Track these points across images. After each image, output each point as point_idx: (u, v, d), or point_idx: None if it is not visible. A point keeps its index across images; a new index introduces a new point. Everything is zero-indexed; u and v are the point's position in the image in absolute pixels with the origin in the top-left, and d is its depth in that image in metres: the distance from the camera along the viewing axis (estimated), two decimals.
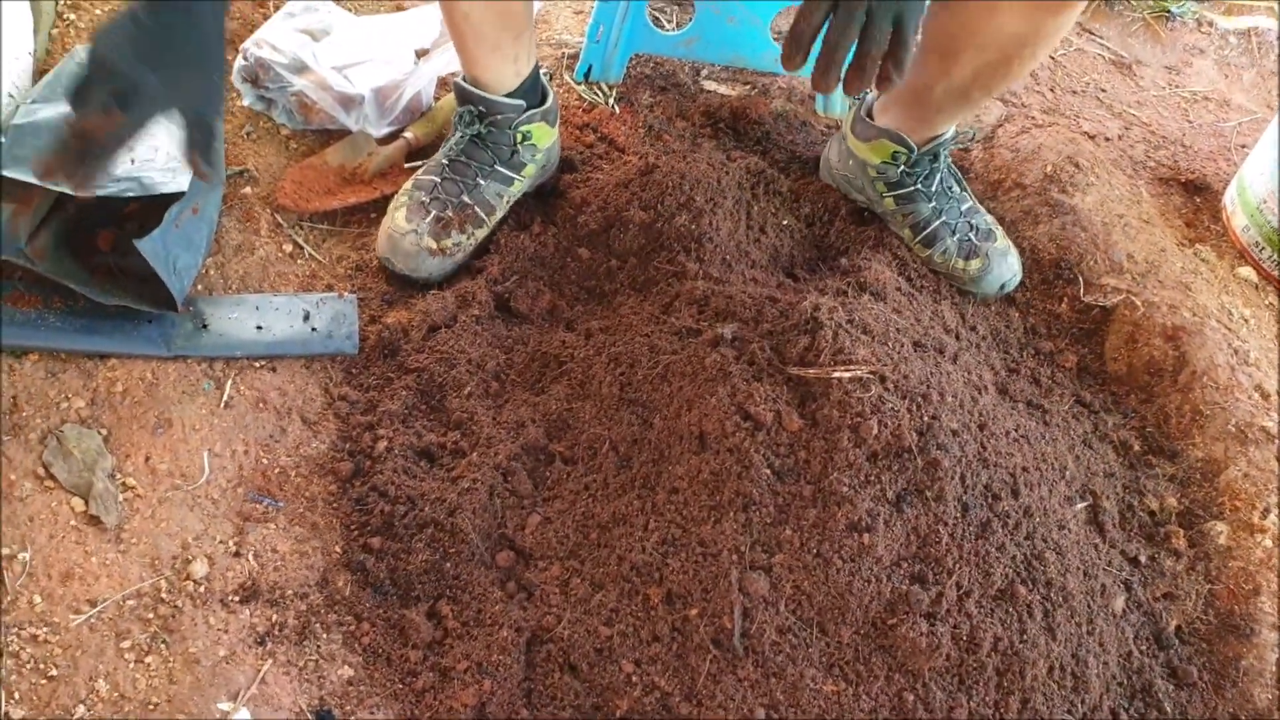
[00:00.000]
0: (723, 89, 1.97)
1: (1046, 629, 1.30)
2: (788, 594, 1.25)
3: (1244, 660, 1.42)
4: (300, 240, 1.56)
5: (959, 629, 1.26)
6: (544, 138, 1.61)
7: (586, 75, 1.91)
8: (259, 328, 1.43)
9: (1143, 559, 1.48)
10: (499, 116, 1.55)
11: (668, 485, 1.33)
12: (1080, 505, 1.44)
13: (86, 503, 1.22)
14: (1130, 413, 1.66)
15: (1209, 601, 1.47)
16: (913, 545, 1.28)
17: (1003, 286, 1.71)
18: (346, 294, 1.50)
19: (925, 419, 1.31)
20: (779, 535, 1.27)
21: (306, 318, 1.46)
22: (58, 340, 1.32)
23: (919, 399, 1.32)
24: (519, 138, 1.57)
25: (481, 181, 1.57)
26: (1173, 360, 1.66)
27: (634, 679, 1.23)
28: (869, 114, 1.68)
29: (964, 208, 1.72)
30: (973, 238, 1.68)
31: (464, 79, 1.55)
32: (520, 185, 1.62)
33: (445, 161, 1.58)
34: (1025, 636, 1.28)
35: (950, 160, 1.75)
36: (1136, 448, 1.61)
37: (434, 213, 1.53)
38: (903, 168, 1.65)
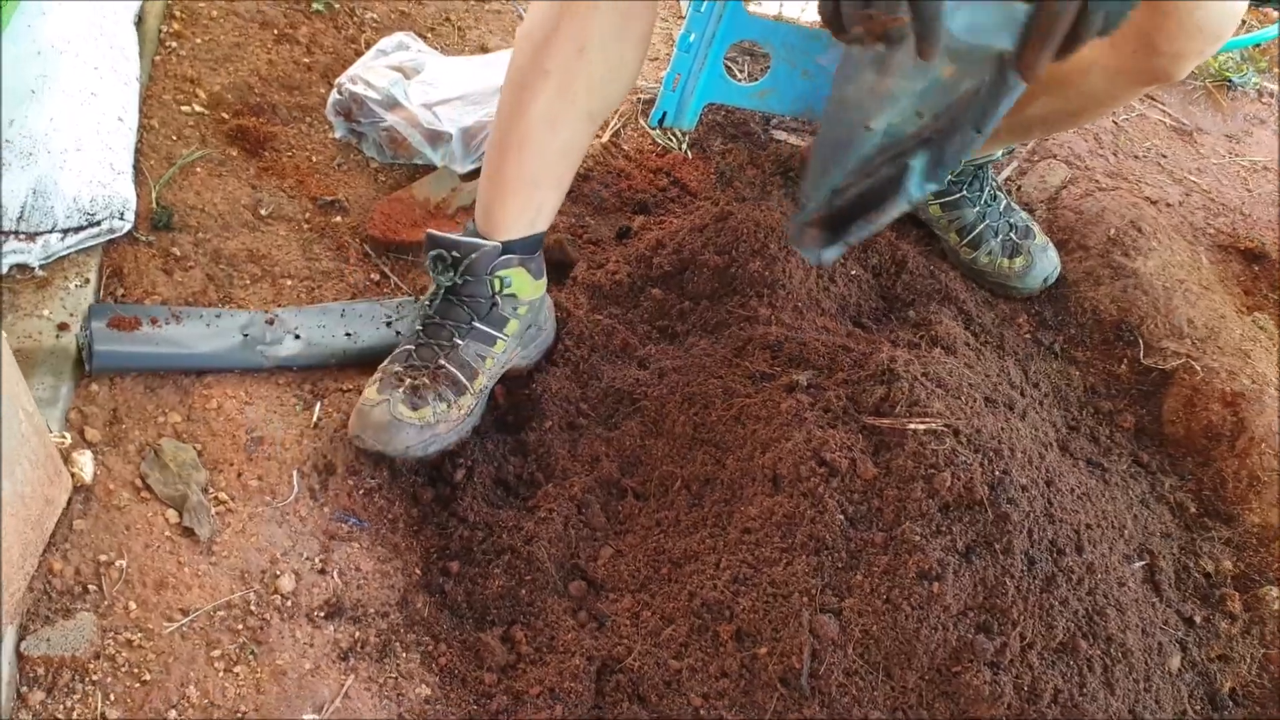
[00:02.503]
0: (792, 139, 2.02)
1: (1105, 684, 1.32)
2: (856, 637, 1.27)
3: None
4: (386, 270, 1.61)
5: (1021, 679, 1.28)
6: (526, 289, 1.45)
7: (661, 121, 1.96)
8: (348, 335, 1.48)
9: (1198, 620, 1.49)
10: (473, 259, 1.39)
11: (740, 525, 1.36)
12: (1138, 564, 1.46)
13: (180, 515, 1.26)
14: (1187, 475, 1.68)
15: (1263, 666, 1.49)
16: (980, 595, 1.30)
17: (1045, 280, 1.82)
18: (423, 298, 1.54)
19: (997, 473, 1.34)
20: (850, 580, 1.30)
21: (389, 322, 1.51)
22: (158, 358, 1.37)
23: (991, 453, 1.35)
24: (496, 285, 1.42)
25: (459, 341, 1.42)
26: (1231, 425, 1.69)
27: (702, 713, 1.26)
28: None
29: (1002, 208, 1.82)
30: (1014, 236, 1.80)
31: (449, 235, 1.41)
32: (504, 345, 1.46)
33: (420, 326, 1.45)
34: (1085, 690, 1.30)
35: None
36: (1193, 510, 1.63)
37: (408, 381, 1.39)
38: (949, 177, 1.72)
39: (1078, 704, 1.29)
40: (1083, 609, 1.35)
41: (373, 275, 1.60)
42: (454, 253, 1.40)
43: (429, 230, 1.41)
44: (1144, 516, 1.56)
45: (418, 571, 1.34)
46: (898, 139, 1.16)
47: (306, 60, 1.85)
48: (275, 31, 1.87)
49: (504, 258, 1.41)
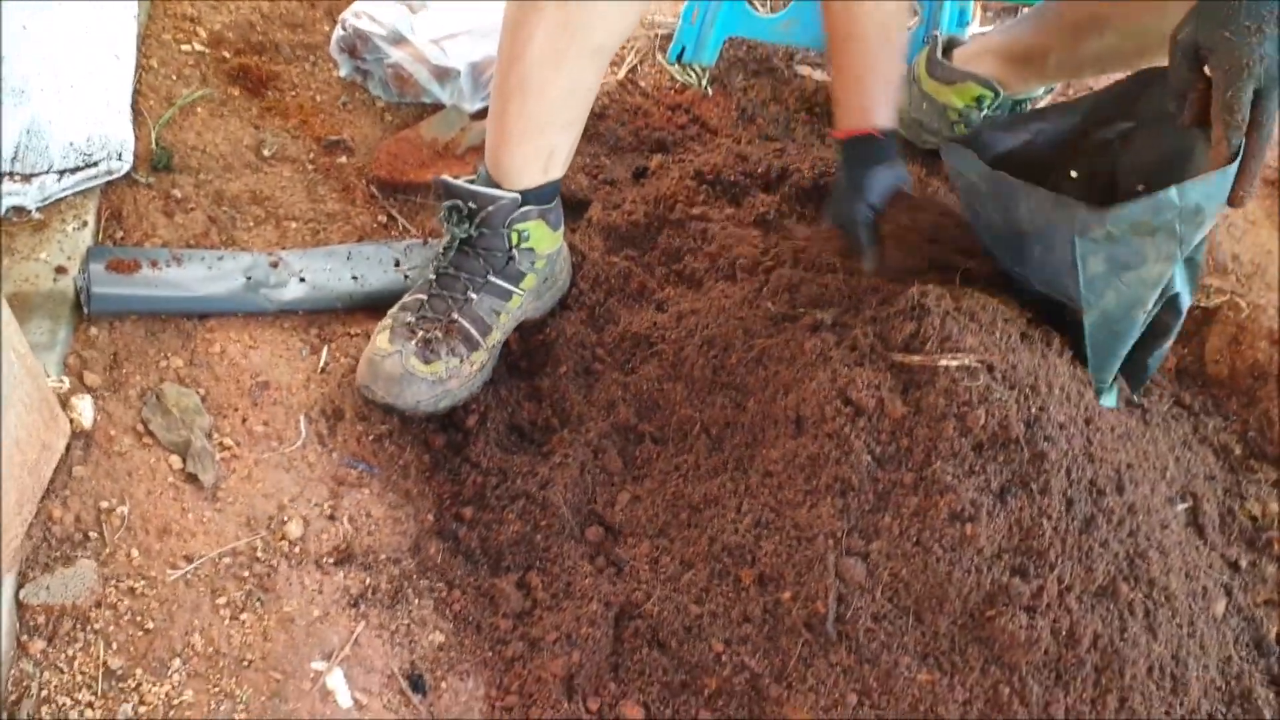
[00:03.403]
0: (817, 74, 1.95)
1: (1147, 628, 1.26)
2: (884, 581, 1.22)
3: None
4: (394, 211, 1.56)
5: (1058, 624, 1.22)
6: (544, 241, 1.41)
7: (679, 56, 1.90)
8: (354, 278, 1.43)
9: (1243, 564, 1.43)
10: (490, 211, 1.34)
11: (761, 468, 1.31)
12: (1181, 506, 1.40)
13: (184, 460, 1.23)
14: (1231, 416, 1.62)
15: None
16: (1015, 537, 1.24)
17: None
18: (431, 240, 1.49)
19: (1033, 410, 1.28)
20: (878, 522, 1.24)
21: (397, 264, 1.46)
22: (158, 302, 1.32)
23: (1027, 390, 1.29)
24: (514, 238, 1.37)
25: (473, 295, 1.37)
26: (1278, 364, 1.62)
27: (723, 658, 1.21)
28: (946, 56, 1.68)
29: None
30: None
31: (462, 179, 1.37)
32: (519, 300, 1.41)
33: (433, 276, 1.39)
34: (1126, 635, 1.24)
35: None
36: (1238, 452, 1.57)
37: (420, 333, 1.34)
38: (987, 110, 1.65)
39: (1118, 649, 1.23)
40: (1123, 551, 1.29)
41: (379, 217, 1.55)
42: (470, 204, 1.34)
43: (444, 178, 1.36)
44: (1186, 458, 1.50)
45: (430, 518, 1.30)
46: (1166, 289, 1.28)
47: None
48: None
49: (523, 209, 1.35)
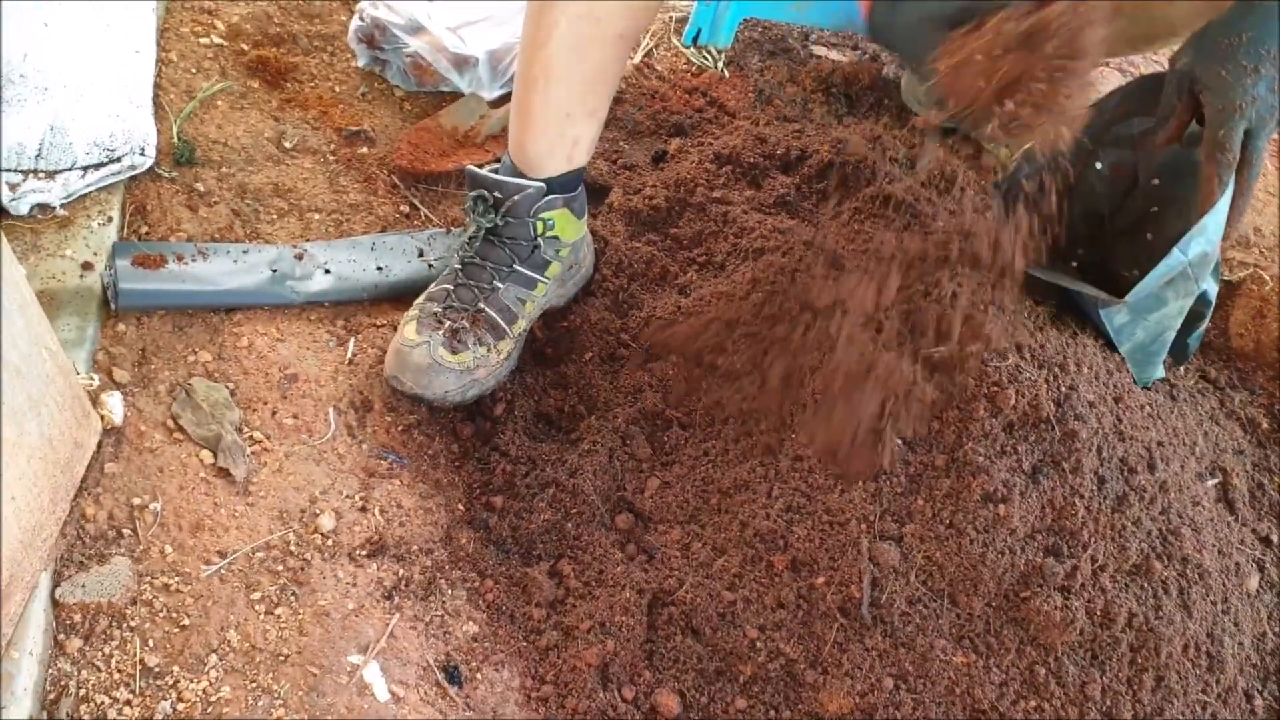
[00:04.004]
0: (833, 54, 1.94)
1: (1182, 606, 1.26)
2: (918, 564, 1.22)
3: None
4: (416, 201, 1.55)
5: (1093, 604, 1.22)
6: (569, 230, 1.40)
7: (695, 39, 1.88)
8: (380, 269, 1.43)
9: (1275, 539, 1.43)
10: (515, 200, 1.34)
11: (791, 453, 1.30)
12: (1211, 482, 1.40)
13: (215, 455, 1.22)
14: (1258, 390, 1.61)
15: None
16: (1048, 517, 1.24)
17: None
18: (454, 229, 1.48)
19: (1063, 389, 1.27)
20: (910, 505, 1.24)
21: (421, 254, 1.46)
22: (185, 296, 1.32)
23: (1056, 369, 1.29)
24: (538, 227, 1.37)
25: (499, 285, 1.37)
26: None
27: (758, 644, 1.21)
28: None
29: None
30: None
31: (489, 168, 1.38)
32: (545, 289, 1.41)
33: (459, 266, 1.39)
34: (1161, 613, 1.24)
35: None
36: (1265, 425, 1.56)
37: (448, 323, 1.33)
38: None
39: (1153, 628, 1.23)
40: (1156, 529, 1.28)
41: (402, 207, 1.54)
42: (496, 194, 1.33)
43: (470, 168, 1.35)
44: (1214, 433, 1.49)
45: (460, 507, 1.29)
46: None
47: None
48: None
49: (547, 199, 1.35)
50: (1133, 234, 1.40)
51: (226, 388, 1.28)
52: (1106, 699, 1.20)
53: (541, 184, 1.33)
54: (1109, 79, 1.98)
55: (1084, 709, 1.19)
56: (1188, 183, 1.29)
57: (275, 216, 1.47)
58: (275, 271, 1.37)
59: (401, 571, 1.21)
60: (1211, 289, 1.36)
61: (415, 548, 1.23)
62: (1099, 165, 1.42)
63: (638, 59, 1.88)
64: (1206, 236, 1.26)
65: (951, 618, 1.22)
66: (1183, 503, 1.32)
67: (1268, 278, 1.66)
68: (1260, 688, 1.31)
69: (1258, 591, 1.36)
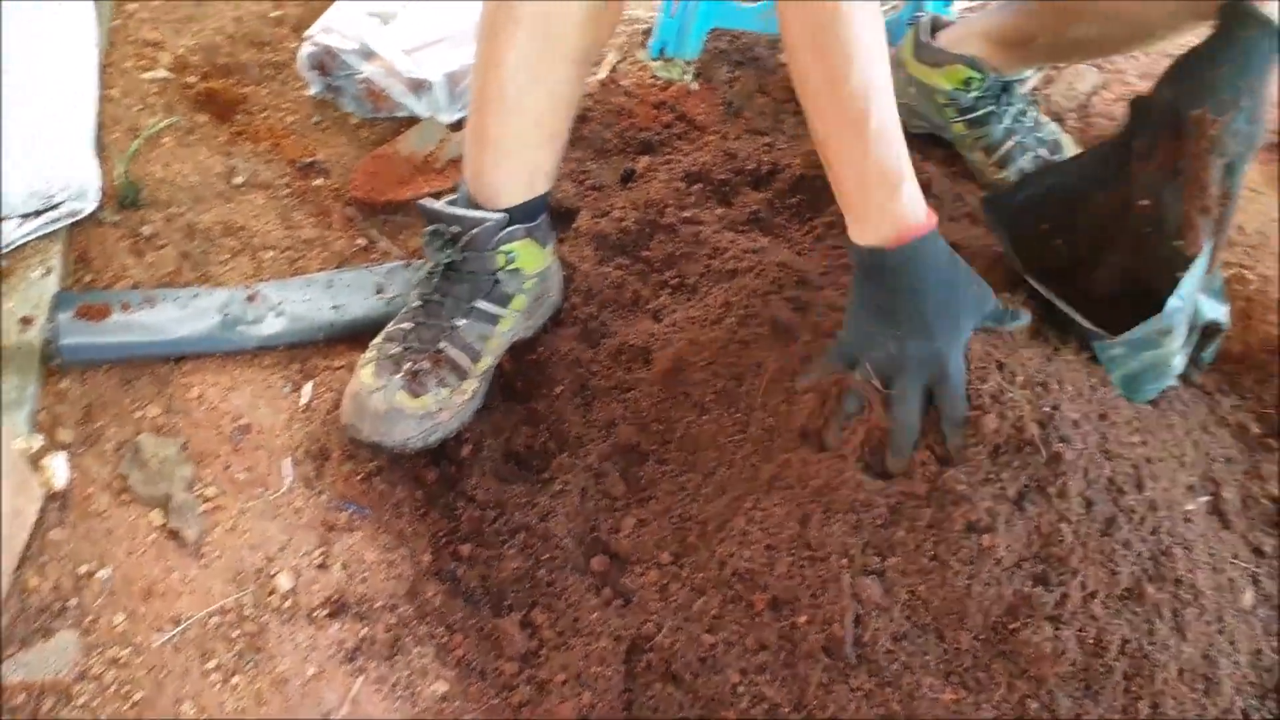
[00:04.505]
0: None
1: (1176, 629, 1.21)
2: (902, 599, 1.17)
3: None
4: (375, 233, 1.50)
5: (1084, 632, 1.18)
6: (533, 261, 1.34)
7: (661, 52, 1.84)
8: (335, 307, 1.38)
9: (1267, 549, 1.39)
10: (474, 233, 1.27)
11: (770, 484, 1.26)
12: (1203, 498, 1.35)
13: (166, 515, 1.18)
14: (1246, 394, 1.56)
15: None
16: (1034, 545, 1.20)
17: None
18: (414, 261, 1.43)
19: (1046, 409, 1.23)
20: (891, 537, 1.20)
21: (379, 290, 1.41)
22: (131, 348, 1.27)
23: (1038, 387, 1.24)
24: (500, 261, 1.30)
25: (461, 322, 1.31)
26: None
27: (740, 689, 1.16)
28: (932, 38, 1.64)
29: (1030, 123, 1.71)
30: (1044, 152, 1.69)
31: (445, 200, 1.31)
32: (510, 323, 1.35)
33: (418, 303, 1.32)
34: (1154, 638, 1.20)
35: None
36: (1255, 430, 1.52)
37: (407, 365, 1.27)
38: (976, 93, 1.61)
39: (1147, 653, 1.18)
40: (1147, 551, 1.24)
41: (359, 240, 1.49)
42: (453, 228, 1.28)
43: (422, 202, 1.30)
44: (1204, 442, 1.45)
45: (426, 558, 1.25)
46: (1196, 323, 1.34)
47: (275, 13, 1.73)
48: None
49: (509, 230, 1.29)
50: (1128, 254, 1.37)
51: (176, 443, 1.23)
52: None
53: (502, 215, 1.27)
54: (1084, 76, 1.94)
55: None
56: (1174, 209, 1.28)
57: (226, 257, 1.42)
58: (226, 316, 1.32)
59: (365, 631, 1.16)
60: (1220, 312, 1.34)
61: (379, 604, 1.18)
62: (1100, 197, 1.39)
63: (603, 74, 1.83)
64: (1195, 284, 1.26)
65: (938, 653, 1.17)
66: (1173, 521, 1.28)
67: (1252, 276, 1.62)
68: (1258, 705, 1.27)
69: (1252, 607, 1.32)
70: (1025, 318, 1.28)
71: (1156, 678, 1.18)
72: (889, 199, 1.12)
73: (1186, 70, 1.22)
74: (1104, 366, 1.33)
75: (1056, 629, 1.17)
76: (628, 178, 1.68)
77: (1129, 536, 1.23)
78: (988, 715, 1.15)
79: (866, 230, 1.15)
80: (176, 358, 1.30)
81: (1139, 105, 1.33)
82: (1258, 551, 1.38)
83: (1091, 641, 1.18)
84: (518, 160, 1.26)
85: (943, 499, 1.19)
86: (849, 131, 1.10)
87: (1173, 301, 1.23)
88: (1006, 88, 1.67)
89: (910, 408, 1.17)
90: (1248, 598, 1.32)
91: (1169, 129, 1.24)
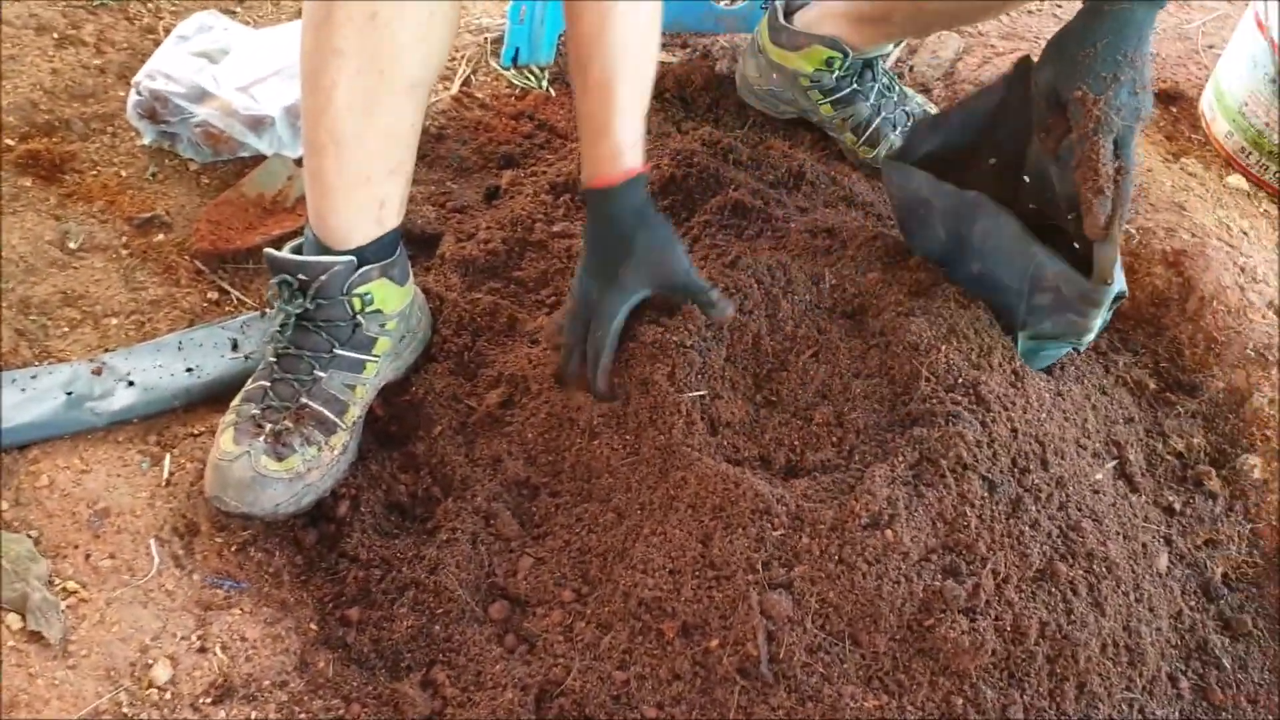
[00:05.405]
0: (662, 56, 1.84)
1: (1094, 604, 1.19)
2: (813, 609, 1.13)
3: None
4: (225, 285, 1.42)
5: (1001, 620, 1.15)
6: (392, 300, 1.27)
7: (515, 59, 1.78)
8: (189, 370, 1.30)
9: (1178, 506, 1.38)
10: (324, 280, 1.20)
11: (668, 505, 1.21)
12: (1110, 464, 1.33)
13: (24, 618, 1.09)
14: (1140, 349, 1.56)
15: (1252, 542, 1.38)
16: (940, 533, 1.17)
17: None
18: (270, 311, 1.35)
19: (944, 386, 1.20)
20: (796, 545, 1.16)
21: (235, 346, 1.33)
22: None
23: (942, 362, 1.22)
24: (356, 305, 1.23)
25: (321, 374, 1.23)
26: (1178, 287, 1.56)
27: None
28: (788, 20, 1.61)
29: (896, 98, 1.71)
30: None
31: (291, 246, 1.24)
32: (375, 368, 1.28)
33: (273, 359, 1.24)
34: (1073, 617, 1.17)
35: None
36: (1153, 386, 1.51)
37: (269, 426, 1.20)
38: (838, 73, 1.59)
39: (1067, 634, 1.16)
40: (1056, 528, 1.22)
41: (210, 294, 1.41)
42: (301, 275, 1.19)
43: (267, 251, 1.21)
44: (1103, 404, 1.44)
45: (313, 627, 1.17)
46: None
47: (98, 62, 1.62)
48: (55, 35, 1.64)
49: (361, 272, 1.21)
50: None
51: (29, 537, 1.14)
52: (1030, 718, 1.13)
53: (351, 257, 1.20)
54: (946, 43, 1.92)
55: None
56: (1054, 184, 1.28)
57: (67, 329, 1.32)
58: (71, 394, 1.23)
59: (254, 714, 1.08)
60: (1122, 281, 1.32)
61: (267, 683, 1.11)
62: (991, 161, 1.39)
63: (455, 89, 1.76)
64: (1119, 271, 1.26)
65: (856, 660, 1.14)
66: (1081, 493, 1.26)
67: (1133, 230, 1.61)
68: (1184, 668, 1.26)
69: (1168, 569, 1.31)
70: (728, 311, 1.32)
71: (1079, 657, 1.16)
72: (592, 145, 1.24)
73: (1061, 50, 1.20)
74: (1019, 320, 1.33)
75: (973, 620, 1.14)
76: (492, 195, 1.62)
77: (1037, 515, 1.21)
78: (913, 717, 1.12)
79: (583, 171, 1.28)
80: (20, 446, 1.20)
81: (1021, 69, 1.30)
82: (1168, 510, 1.37)
83: (1010, 629, 1.15)
84: (362, 198, 1.18)
85: (843, 491, 1.16)
86: (577, 77, 1.23)
87: (1116, 289, 1.24)
88: (869, 65, 1.64)
89: (586, 334, 1.30)
90: (1162, 561, 1.31)
91: (1054, 111, 1.23)
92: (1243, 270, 1.56)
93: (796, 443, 1.27)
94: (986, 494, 1.20)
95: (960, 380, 1.26)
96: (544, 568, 1.22)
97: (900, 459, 1.20)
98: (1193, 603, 1.30)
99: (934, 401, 1.24)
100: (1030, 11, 2.00)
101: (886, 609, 1.13)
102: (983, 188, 1.33)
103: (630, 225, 1.27)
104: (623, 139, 1.22)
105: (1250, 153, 1.75)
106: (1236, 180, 1.76)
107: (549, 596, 1.20)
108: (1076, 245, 1.27)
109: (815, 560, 1.15)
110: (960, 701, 1.13)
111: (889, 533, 1.15)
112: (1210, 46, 2.00)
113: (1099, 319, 1.27)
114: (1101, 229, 1.19)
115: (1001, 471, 1.21)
